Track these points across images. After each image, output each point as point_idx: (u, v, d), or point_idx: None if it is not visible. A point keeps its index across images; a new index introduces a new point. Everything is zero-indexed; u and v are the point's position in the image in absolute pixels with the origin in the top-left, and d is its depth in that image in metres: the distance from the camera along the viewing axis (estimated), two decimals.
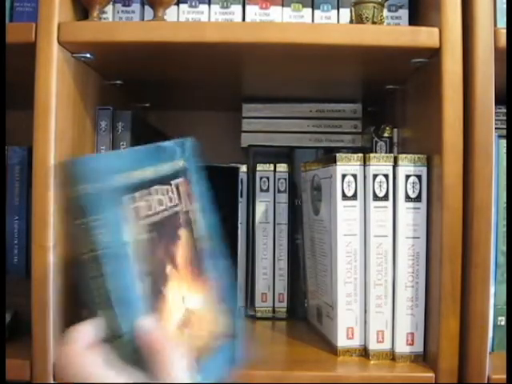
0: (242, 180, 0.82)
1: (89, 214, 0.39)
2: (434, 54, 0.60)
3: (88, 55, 0.64)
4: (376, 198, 0.62)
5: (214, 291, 0.50)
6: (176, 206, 0.48)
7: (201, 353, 0.47)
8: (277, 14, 0.68)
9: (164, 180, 0.46)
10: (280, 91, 0.85)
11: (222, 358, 0.50)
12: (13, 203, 0.72)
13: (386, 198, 0.62)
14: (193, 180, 0.50)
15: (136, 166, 0.44)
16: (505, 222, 0.63)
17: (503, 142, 0.63)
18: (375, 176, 0.62)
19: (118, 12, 0.69)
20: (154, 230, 0.44)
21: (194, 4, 0.68)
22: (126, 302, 0.40)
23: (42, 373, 0.58)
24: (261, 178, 0.83)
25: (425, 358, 0.62)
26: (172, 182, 0.48)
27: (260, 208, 0.82)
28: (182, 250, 0.47)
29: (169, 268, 0.45)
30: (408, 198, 0.62)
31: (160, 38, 0.59)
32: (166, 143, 0.49)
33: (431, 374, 0.59)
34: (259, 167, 0.83)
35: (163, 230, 0.45)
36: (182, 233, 0.48)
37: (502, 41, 0.58)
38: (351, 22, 0.65)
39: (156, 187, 0.45)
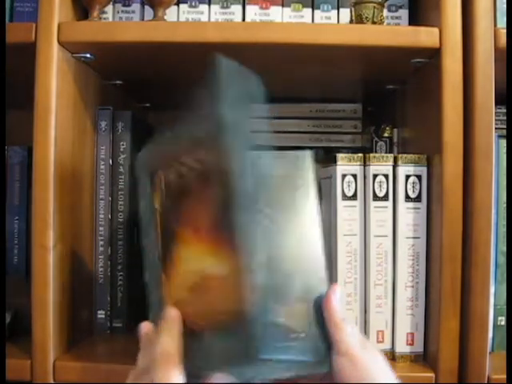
0: None
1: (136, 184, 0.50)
2: (434, 54, 0.60)
3: (88, 55, 0.64)
4: (376, 198, 0.62)
5: (245, 260, 0.39)
6: (203, 169, 0.43)
7: (215, 324, 0.41)
8: (277, 14, 0.68)
9: (193, 145, 0.44)
10: (280, 91, 0.85)
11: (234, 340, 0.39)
12: (13, 203, 0.72)
13: (385, 198, 0.62)
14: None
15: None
16: (505, 222, 0.63)
17: (503, 142, 0.63)
18: (375, 176, 0.62)
19: (118, 12, 0.69)
20: (173, 197, 0.46)
21: (193, 4, 0.68)
22: (149, 265, 0.47)
23: (42, 373, 0.58)
24: None
25: (425, 358, 0.62)
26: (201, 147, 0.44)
27: None
28: (206, 213, 0.42)
29: (180, 229, 0.43)
30: (408, 198, 0.62)
31: (160, 38, 0.59)
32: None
33: (431, 374, 0.59)
34: None
35: (183, 196, 0.44)
36: (209, 194, 0.42)
37: (502, 41, 0.59)
38: (351, 21, 0.65)
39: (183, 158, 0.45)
